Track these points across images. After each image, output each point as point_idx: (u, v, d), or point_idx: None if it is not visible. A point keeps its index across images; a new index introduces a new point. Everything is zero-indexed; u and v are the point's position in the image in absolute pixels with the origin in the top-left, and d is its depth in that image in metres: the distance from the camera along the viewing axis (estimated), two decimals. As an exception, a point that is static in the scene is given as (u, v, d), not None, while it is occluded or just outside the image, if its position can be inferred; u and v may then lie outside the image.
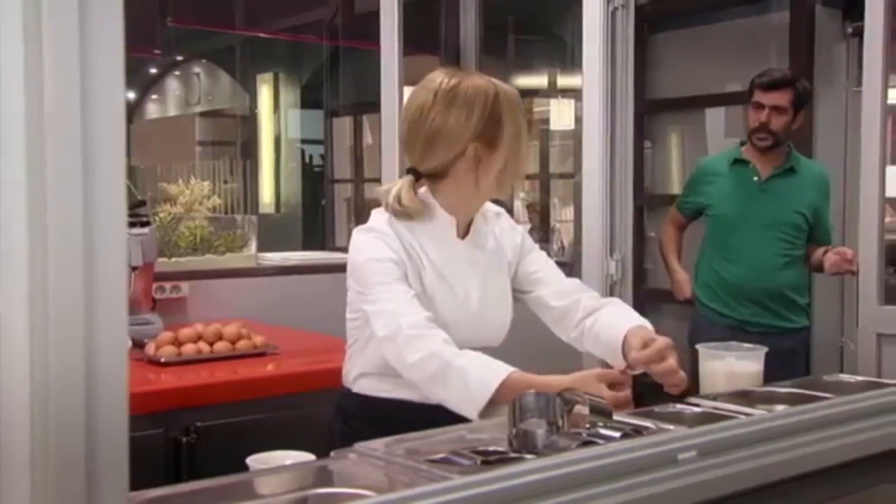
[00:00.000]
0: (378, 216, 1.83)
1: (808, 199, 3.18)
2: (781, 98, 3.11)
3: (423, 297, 1.74)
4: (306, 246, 7.08)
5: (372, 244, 1.76)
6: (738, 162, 3.26)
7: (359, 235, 1.80)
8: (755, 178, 3.21)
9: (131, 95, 9.77)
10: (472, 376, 1.60)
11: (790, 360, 2.95)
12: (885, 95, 2.78)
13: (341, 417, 1.90)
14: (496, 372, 1.60)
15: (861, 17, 2.84)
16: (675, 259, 3.43)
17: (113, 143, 0.71)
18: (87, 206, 0.69)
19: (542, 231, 5.83)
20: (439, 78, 1.80)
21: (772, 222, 3.13)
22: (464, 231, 1.86)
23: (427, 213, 1.81)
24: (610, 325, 1.84)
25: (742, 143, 3.29)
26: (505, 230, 1.93)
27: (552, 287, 1.93)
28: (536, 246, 1.98)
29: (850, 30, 3.77)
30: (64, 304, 0.68)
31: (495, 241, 1.90)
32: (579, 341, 1.91)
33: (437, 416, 1.71)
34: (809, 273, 3.34)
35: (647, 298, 3.93)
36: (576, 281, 1.99)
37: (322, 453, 1.42)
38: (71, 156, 0.67)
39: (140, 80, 9.77)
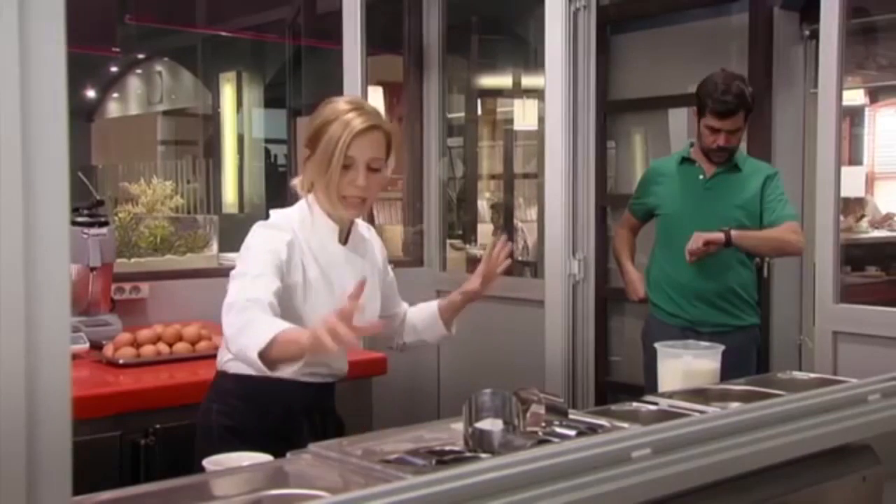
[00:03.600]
0: (276, 215, 2.07)
1: (750, 193, 3.18)
2: (737, 121, 3.11)
3: (304, 288, 1.97)
4: (271, 246, 7.02)
5: (265, 236, 1.97)
6: (686, 161, 3.27)
7: (257, 228, 2.01)
8: (700, 177, 3.23)
9: (91, 94, 9.64)
10: (260, 326, 1.76)
11: (741, 358, 2.97)
12: (840, 97, 2.82)
13: (216, 397, 2.08)
14: (279, 325, 1.76)
15: (818, 19, 2.87)
16: (627, 260, 3.44)
17: (55, 144, 0.70)
18: (28, 208, 0.68)
19: (506, 231, 5.82)
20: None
21: (717, 220, 3.13)
22: (345, 238, 2.11)
23: (311, 218, 2.05)
24: (419, 309, 2.31)
25: (692, 144, 3.31)
26: (376, 245, 2.24)
27: (399, 307, 2.32)
28: (390, 266, 2.33)
29: (807, 32, 3.80)
30: (4, 303, 0.67)
31: (369, 251, 2.19)
32: (400, 338, 2.33)
33: (306, 391, 2.02)
34: (758, 270, 3.37)
35: (609, 298, 3.95)
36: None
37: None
38: (10, 156, 0.67)
39: (101, 78, 9.65)
